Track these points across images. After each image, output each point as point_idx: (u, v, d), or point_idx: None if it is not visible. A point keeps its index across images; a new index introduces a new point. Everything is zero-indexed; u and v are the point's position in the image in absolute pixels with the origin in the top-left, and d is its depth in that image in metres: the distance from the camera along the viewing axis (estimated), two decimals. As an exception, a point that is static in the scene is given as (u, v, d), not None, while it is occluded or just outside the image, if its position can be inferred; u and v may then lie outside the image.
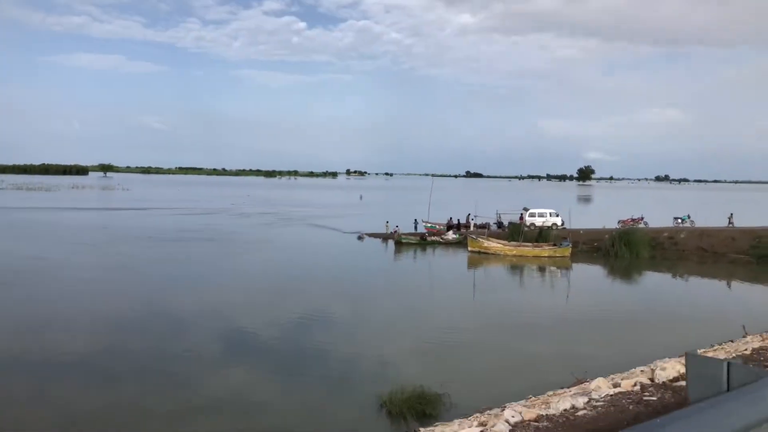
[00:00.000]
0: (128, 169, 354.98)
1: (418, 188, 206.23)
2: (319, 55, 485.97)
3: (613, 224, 44.86)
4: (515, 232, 41.61)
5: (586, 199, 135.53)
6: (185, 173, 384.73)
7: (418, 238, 43.39)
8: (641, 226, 46.23)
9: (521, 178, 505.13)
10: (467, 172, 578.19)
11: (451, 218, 49.09)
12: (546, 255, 38.37)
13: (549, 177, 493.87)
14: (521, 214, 46.96)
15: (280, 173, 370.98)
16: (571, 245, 38.85)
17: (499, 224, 47.07)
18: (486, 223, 47.35)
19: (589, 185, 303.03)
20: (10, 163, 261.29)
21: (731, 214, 47.09)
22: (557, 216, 46.41)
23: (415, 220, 47.46)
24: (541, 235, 41.43)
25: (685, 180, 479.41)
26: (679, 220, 46.24)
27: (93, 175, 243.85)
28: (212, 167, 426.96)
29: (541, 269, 35.62)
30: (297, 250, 39.75)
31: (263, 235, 46.47)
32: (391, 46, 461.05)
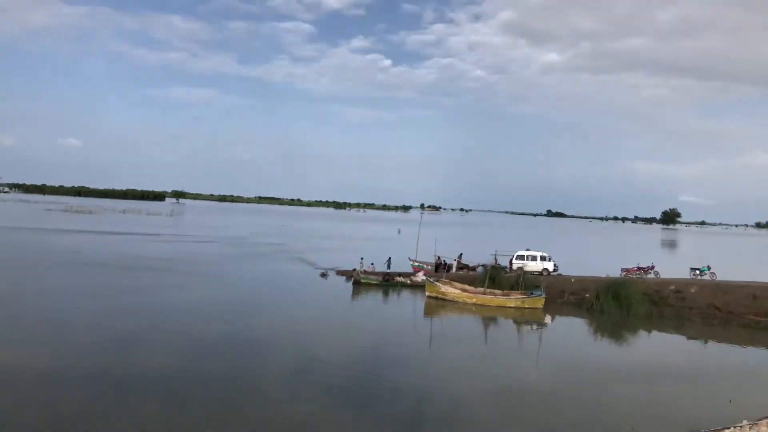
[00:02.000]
0: (204, 197, 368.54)
1: (483, 224, 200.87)
2: (402, 91, 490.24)
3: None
4: (491, 276, 35.94)
5: (660, 244, 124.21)
6: (263, 202, 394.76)
7: (380, 278, 38.55)
8: (650, 276, 39.17)
9: (604, 219, 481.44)
10: (548, 211, 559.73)
11: (439, 257, 43.90)
12: (512, 305, 32.56)
13: (636, 219, 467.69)
14: (511, 257, 41.10)
15: (350, 205, 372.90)
16: (544, 295, 32.80)
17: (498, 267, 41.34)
18: (474, 265, 41.87)
19: (675, 229, 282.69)
20: (102, 187, 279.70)
21: None
22: (548, 260, 40.18)
23: (389, 258, 42.66)
24: (518, 282, 35.55)
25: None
26: (697, 272, 38.73)
27: (169, 201, 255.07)
28: (290, 197, 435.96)
29: (502, 322, 30.02)
30: (241, 286, 35.98)
31: (230, 268, 43.17)
32: (475, 83, 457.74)
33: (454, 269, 41.64)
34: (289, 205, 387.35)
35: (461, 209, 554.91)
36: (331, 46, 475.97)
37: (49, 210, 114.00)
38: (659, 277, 38.95)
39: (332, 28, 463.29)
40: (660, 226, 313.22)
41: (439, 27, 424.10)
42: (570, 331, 29.63)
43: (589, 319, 32.16)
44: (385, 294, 36.31)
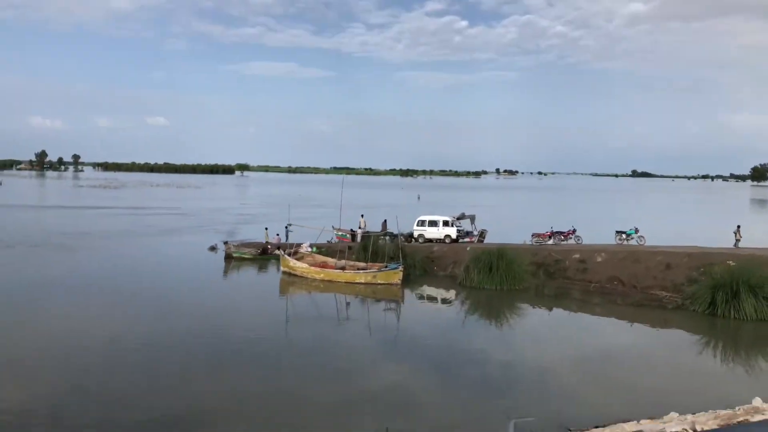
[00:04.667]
0: (273, 168, 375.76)
1: (546, 189, 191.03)
2: (481, 53, 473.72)
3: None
4: (364, 246, 31.53)
5: (708, 205, 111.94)
6: (337, 173, 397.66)
7: (256, 251, 34.88)
8: (571, 241, 33.09)
9: (691, 178, 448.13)
10: (633, 171, 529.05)
11: (358, 226, 39.60)
12: (362, 281, 28.07)
13: (732, 176, 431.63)
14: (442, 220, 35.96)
15: (416, 173, 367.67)
16: (401, 268, 28.03)
17: (392, 235, 36.63)
18: (383, 232, 37.31)
19: (765, 186, 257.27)
20: (185, 162, 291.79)
21: (738, 227, 31.95)
22: (452, 225, 34.87)
23: (287, 226, 38.50)
24: (377, 253, 30.89)
25: None
26: (624, 235, 32.13)
27: (237, 174, 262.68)
28: (365, 167, 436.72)
29: (341, 301, 25.90)
30: (110, 262, 33.51)
31: (128, 243, 41.08)
32: (557, 40, 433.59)
33: (358, 238, 37.22)
34: (363, 174, 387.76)
35: (539, 173, 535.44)
36: (405, 10, 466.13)
37: (81, 186, 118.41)
38: (580, 243, 32.85)
39: None
40: (750, 183, 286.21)
41: None
42: (414, 312, 25.06)
43: (453, 295, 27.25)
44: (260, 269, 32.78)
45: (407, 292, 27.61)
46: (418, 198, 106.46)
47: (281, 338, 19.92)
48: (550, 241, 32.85)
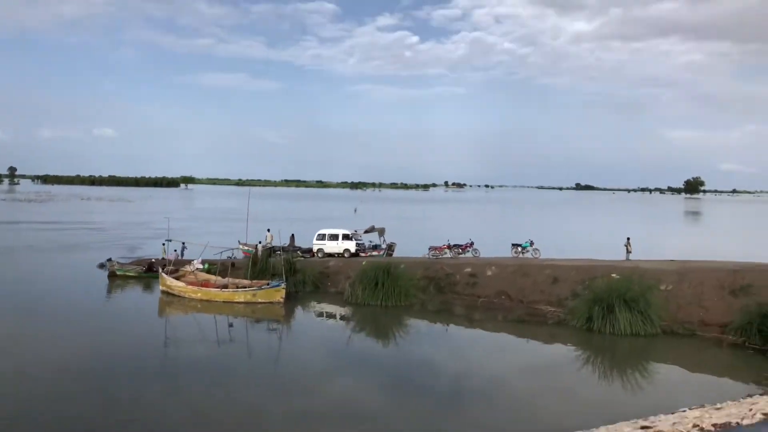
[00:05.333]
0: (221, 181, 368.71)
1: (492, 201, 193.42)
2: (431, 68, 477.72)
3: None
4: (253, 262, 30.14)
5: (641, 216, 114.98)
6: (287, 185, 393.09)
7: (141, 269, 32.94)
8: (468, 254, 32.54)
9: (630, 190, 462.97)
10: (577, 185, 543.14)
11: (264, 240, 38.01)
12: (241, 300, 26.63)
13: (669, 189, 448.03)
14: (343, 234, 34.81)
15: (365, 185, 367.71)
16: (283, 286, 26.74)
17: (297, 249, 35.28)
18: (288, 247, 35.95)
19: (697, 198, 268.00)
20: (132, 175, 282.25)
21: (628, 239, 31.97)
22: (351, 239, 33.89)
23: (163, 243, 36.10)
24: (264, 269, 29.61)
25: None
26: (519, 248, 31.82)
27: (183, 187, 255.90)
28: (316, 179, 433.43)
29: (212, 322, 24.41)
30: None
31: (19, 260, 38.50)
32: (505, 56, 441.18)
33: (259, 252, 35.71)
34: (314, 187, 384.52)
35: (486, 185, 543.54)
36: (358, 24, 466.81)
37: (2, 200, 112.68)
38: (477, 256, 32.33)
39: (358, 7, 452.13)
40: (682, 196, 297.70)
41: (464, 0, 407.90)
42: (291, 332, 23.87)
43: (336, 313, 26.18)
44: (145, 288, 30.85)
45: (290, 310, 26.35)
46: (355, 211, 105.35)
47: (136, 362, 18.33)
48: (448, 254, 32.19)
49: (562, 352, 20.87)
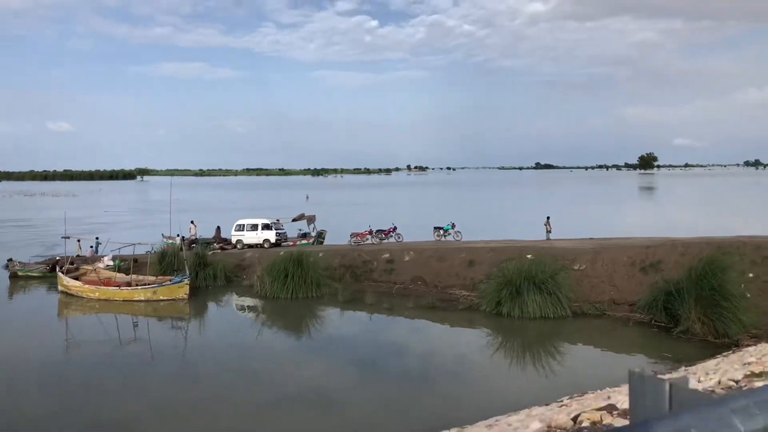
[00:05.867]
0: (181, 172, 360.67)
1: (445, 183, 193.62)
2: (392, 52, 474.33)
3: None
4: (159, 259, 28.60)
5: (589, 193, 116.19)
6: (250, 174, 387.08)
7: (45, 268, 31.04)
8: (392, 239, 31.63)
9: (588, 168, 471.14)
10: (537, 164, 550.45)
11: (188, 233, 36.34)
12: (141, 298, 25.14)
13: (626, 165, 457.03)
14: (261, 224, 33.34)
15: (327, 171, 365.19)
16: (187, 281, 25.34)
17: (193, 242, 33.63)
18: (214, 239, 34.45)
19: (651, 174, 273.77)
20: (89, 169, 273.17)
21: (548, 218, 31.40)
22: (270, 229, 32.62)
23: (78, 240, 34.15)
24: (165, 263, 28.19)
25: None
26: (441, 231, 31.03)
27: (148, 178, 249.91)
28: (278, 167, 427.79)
29: (112, 322, 22.85)
30: None
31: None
32: (464, 39, 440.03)
33: (195, 245, 34.06)
34: (276, 175, 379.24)
35: (448, 168, 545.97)
36: (316, 9, 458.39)
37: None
38: (400, 241, 31.44)
39: None
40: (637, 172, 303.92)
41: None
42: (195, 330, 22.57)
43: (244, 307, 25.01)
44: (51, 287, 28.99)
45: (196, 306, 25.01)
46: (307, 198, 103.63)
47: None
48: (370, 240, 31.22)
49: (467, 339, 20.16)
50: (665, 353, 18.10)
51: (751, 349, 15.88)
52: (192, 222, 37.64)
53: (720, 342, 18.12)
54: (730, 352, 16.51)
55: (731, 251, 21.80)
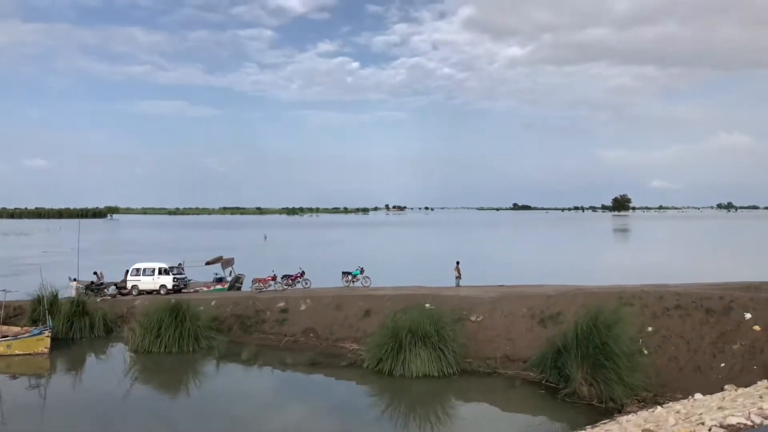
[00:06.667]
0: (153, 211, 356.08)
1: (423, 223, 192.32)
2: (373, 93, 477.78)
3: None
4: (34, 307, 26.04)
5: (544, 236, 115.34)
6: (224, 213, 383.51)
7: None
8: (299, 285, 29.46)
9: (564, 209, 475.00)
10: (514, 205, 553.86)
11: (95, 274, 33.75)
12: (-10, 353, 22.52)
13: (603, 207, 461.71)
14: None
15: (302, 210, 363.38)
16: (48, 333, 22.82)
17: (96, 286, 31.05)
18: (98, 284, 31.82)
19: (625, 215, 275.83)
20: (62, 207, 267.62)
21: (457, 263, 29.34)
22: (168, 274, 30.29)
23: None
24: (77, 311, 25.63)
25: (755, 207, 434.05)
26: (349, 276, 28.93)
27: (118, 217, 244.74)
28: (255, 206, 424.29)
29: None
30: None
31: None
32: (444, 81, 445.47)
33: (73, 291, 31.55)
34: (252, 214, 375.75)
35: (426, 208, 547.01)
36: (298, 51, 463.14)
37: None
38: (308, 287, 29.30)
39: (298, 33, 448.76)
40: (610, 214, 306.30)
41: (402, 27, 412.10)
42: (53, 390, 20.01)
43: (113, 365, 22.46)
44: None
45: (58, 362, 22.45)
46: (265, 238, 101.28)
47: None
48: (273, 287, 29.03)
49: (336, 401, 17.91)
50: (548, 418, 16.08)
51: (624, 419, 13.85)
52: (95, 272, 35.06)
53: (605, 407, 16.13)
54: (607, 421, 14.50)
55: (633, 302, 20.04)
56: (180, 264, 32.38)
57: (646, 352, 18.27)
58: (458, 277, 28.04)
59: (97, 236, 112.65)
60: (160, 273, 30.16)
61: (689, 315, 18.79)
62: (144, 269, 30.47)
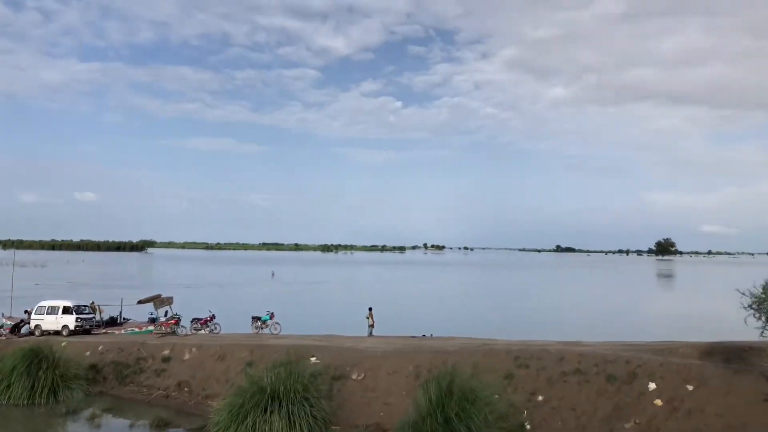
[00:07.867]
0: (192, 245, 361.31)
1: (456, 264, 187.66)
2: (415, 132, 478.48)
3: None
4: None
5: (559, 280, 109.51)
6: (264, 249, 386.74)
7: None
8: (206, 330, 26.63)
9: (608, 252, 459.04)
10: (557, 246, 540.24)
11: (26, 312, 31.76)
12: None
13: (649, 251, 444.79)
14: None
15: (337, 248, 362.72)
16: None
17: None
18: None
19: (668, 260, 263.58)
20: (113, 239, 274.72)
21: (370, 310, 25.72)
22: (71, 314, 27.81)
23: None
24: None
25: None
26: (259, 322, 25.87)
27: (153, 251, 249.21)
28: (294, 242, 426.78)
29: None
30: None
31: None
32: (487, 121, 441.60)
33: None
34: (290, 250, 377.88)
35: (465, 248, 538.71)
36: (342, 90, 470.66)
37: None
38: (217, 332, 26.46)
39: (342, 73, 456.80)
40: (653, 258, 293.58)
41: (444, 67, 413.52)
42: None
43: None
44: None
45: None
46: (273, 275, 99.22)
47: None
48: (182, 331, 26.29)
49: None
50: None
51: None
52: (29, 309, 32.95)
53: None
54: None
55: (530, 363, 16.40)
56: (92, 302, 30.03)
57: (528, 427, 14.61)
58: (371, 326, 24.66)
59: (111, 269, 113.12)
60: (63, 312, 27.81)
61: (588, 381, 15.12)
62: (49, 307, 28.19)
